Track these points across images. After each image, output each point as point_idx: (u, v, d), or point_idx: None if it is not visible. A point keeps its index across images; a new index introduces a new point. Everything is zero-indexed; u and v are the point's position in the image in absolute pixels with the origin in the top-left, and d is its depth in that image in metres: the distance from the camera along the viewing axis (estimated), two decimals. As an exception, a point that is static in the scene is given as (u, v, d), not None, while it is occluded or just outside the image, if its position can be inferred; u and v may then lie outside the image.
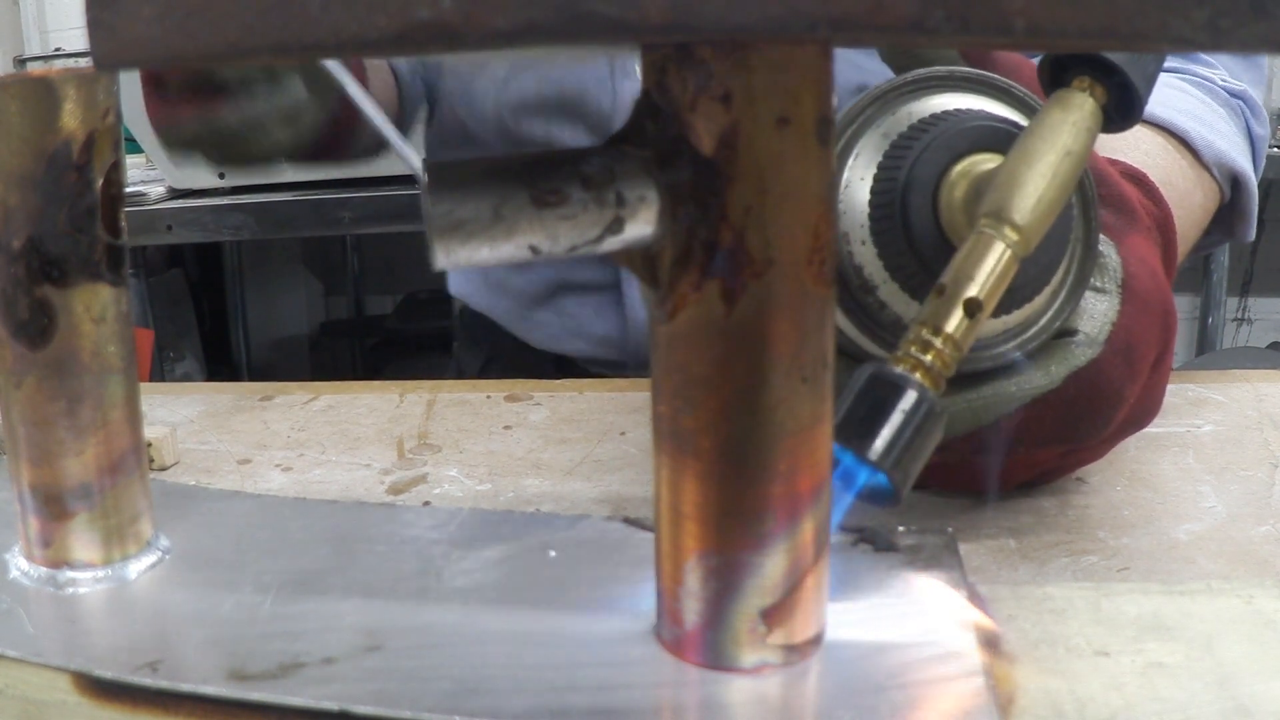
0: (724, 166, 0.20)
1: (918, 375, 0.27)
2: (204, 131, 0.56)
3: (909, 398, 0.26)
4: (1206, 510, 0.40)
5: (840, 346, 0.23)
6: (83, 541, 0.28)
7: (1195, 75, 0.66)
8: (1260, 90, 0.69)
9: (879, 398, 0.26)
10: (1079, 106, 0.31)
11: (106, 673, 0.24)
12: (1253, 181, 0.64)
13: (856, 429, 0.26)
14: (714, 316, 0.21)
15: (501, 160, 0.20)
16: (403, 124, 0.77)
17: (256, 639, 0.25)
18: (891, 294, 0.34)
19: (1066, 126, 0.31)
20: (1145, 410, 0.38)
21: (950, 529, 0.29)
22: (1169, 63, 0.65)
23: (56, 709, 0.25)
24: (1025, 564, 0.37)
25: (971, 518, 0.40)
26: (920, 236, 0.33)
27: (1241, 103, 0.67)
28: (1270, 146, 2.39)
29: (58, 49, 2.41)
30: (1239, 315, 2.59)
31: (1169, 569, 0.36)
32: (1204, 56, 0.66)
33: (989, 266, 0.29)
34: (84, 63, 0.25)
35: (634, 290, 0.75)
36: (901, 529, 0.29)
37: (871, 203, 0.33)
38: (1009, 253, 0.29)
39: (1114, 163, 0.42)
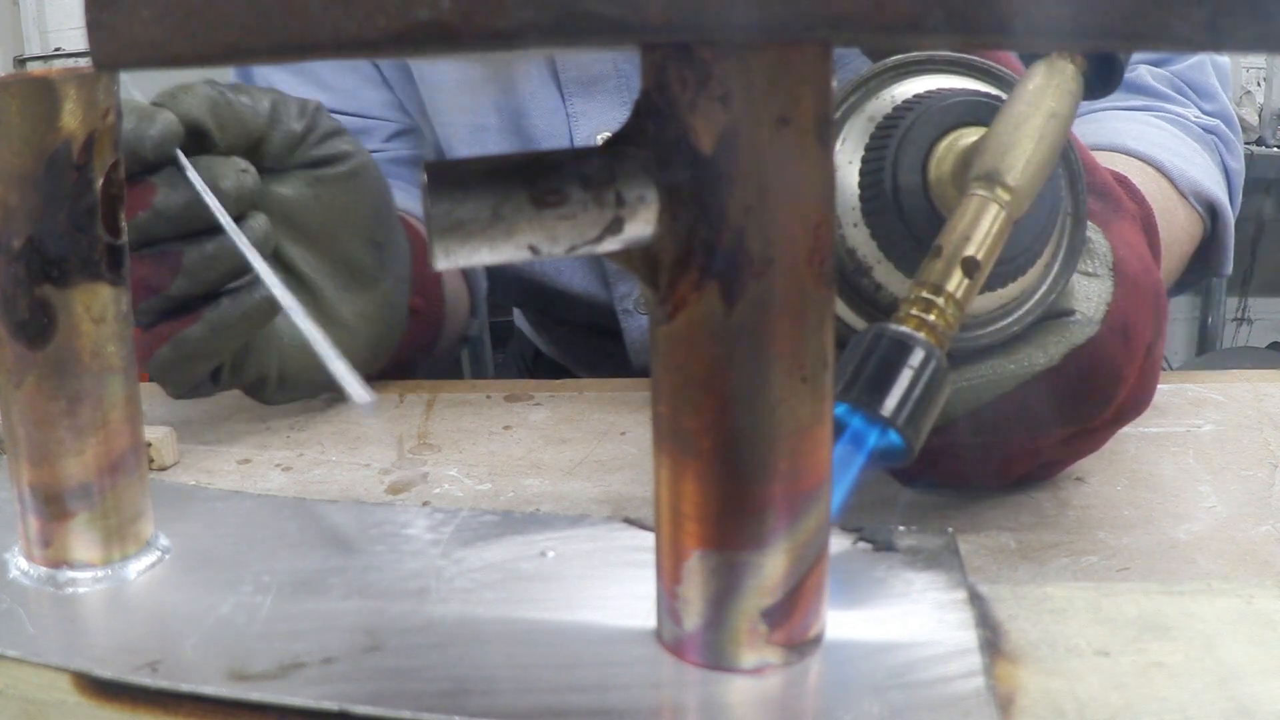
0: (724, 166, 0.20)
1: (923, 334, 0.27)
2: (175, 354, 0.48)
3: (917, 354, 0.26)
4: (1206, 510, 0.40)
5: (837, 334, 0.23)
6: (82, 541, 0.28)
7: (1169, 112, 0.66)
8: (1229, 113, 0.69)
9: (886, 356, 0.26)
10: (1061, 71, 0.31)
11: (106, 673, 0.24)
12: (1229, 212, 0.64)
13: (865, 388, 0.26)
14: (714, 316, 0.21)
15: (501, 160, 0.20)
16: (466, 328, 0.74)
17: (256, 639, 0.25)
18: (887, 274, 0.34)
19: (1050, 90, 0.31)
20: (1141, 396, 0.38)
21: (950, 529, 0.29)
22: (1141, 100, 0.66)
23: (56, 709, 0.25)
24: (1025, 564, 0.37)
25: (971, 518, 0.40)
26: (912, 213, 0.33)
27: (1215, 138, 0.67)
28: (1270, 146, 2.38)
29: (58, 49, 2.41)
30: (1239, 315, 2.59)
31: (1169, 569, 0.36)
32: (1175, 94, 0.67)
33: (985, 227, 0.29)
34: (84, 63, 0.25)
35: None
36: (901, 529, 0.29)
37: (861, 184, 0.34)
38: (1003, 213, 0.29)
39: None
